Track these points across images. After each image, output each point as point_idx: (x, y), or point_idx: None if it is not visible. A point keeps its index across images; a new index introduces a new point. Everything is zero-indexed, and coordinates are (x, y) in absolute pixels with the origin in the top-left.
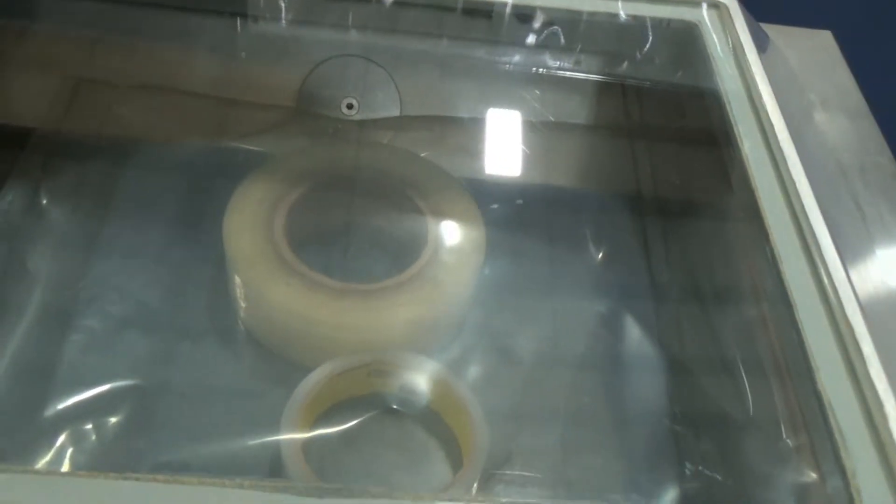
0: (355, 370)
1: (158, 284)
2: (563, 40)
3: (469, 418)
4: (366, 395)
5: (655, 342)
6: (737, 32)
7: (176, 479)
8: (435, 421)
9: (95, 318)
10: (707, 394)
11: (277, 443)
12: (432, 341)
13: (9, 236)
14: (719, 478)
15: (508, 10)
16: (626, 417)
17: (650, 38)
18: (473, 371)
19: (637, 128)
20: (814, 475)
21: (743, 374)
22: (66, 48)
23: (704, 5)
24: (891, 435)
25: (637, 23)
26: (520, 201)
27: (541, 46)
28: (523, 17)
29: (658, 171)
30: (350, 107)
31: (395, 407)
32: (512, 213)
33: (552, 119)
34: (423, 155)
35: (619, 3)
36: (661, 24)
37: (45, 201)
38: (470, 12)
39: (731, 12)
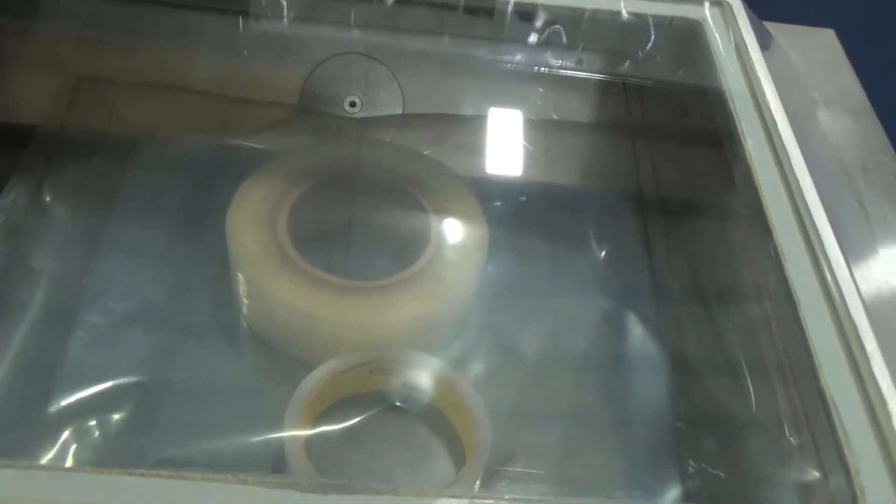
0: (358, 367)
1: (161, 281)
2: (565, 39)
3: (471, 415)
4: (368, 393)
5: (657, 340)
6: (740, 30)
7: (179, 475)
8: (437, 418)
9: (99, 315)
10: (710, 392)
11: (280, 440)
12: (435, 339)
13: (12, 234)
14: (722, 475)
15: (510, 8)
16: (629, 415)
17: (652, 37)
18: (476, 368)
19: (639, 126)
20: (817, 473)
21: (746, 372)
22: (68, 46)
23: (707, 3)
24: (894, 432)
25: (639, 21)
26: (522, 199)
27: (543, 45)
28: (525, 15)
29: (660, 169)
30: (353, 104)
31: (397, 404)
32: (514, 211)
33: (554, 117)
34: (425, 153)
35: (622, 2)
36: (663, 22)
37: (48, 199)
38: (472, 10)
39: (735, 10)
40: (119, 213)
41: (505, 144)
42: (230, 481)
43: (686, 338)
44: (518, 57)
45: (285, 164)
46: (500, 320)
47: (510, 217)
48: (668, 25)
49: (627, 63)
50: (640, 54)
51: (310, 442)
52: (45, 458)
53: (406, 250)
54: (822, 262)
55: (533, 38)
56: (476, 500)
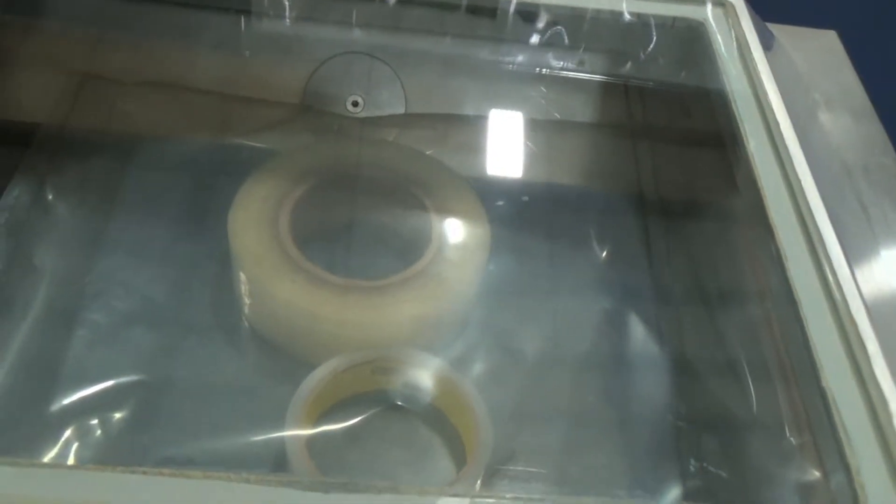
0: (359, 367)
1: (164, 280)
2: (566, 39)
3: (473, 415)
4: (370, 392)
5: (658, 340)
6: (742, 31)
7: (182, 473)
8: (439, 418)
9: (101, 314)
10: (711, 391)
11: (282, 439)
12: (436, 338)
13: (15, 232)
14: (723, 475)
15: (512, 8)
16: (630, 415)
17: (655, 37)
18: (477, 368)
19: (641, 127)
20: (818, 473)
21: (747, 372)
22: (71, 45)
23: (710, 4)
24: (895, 432)
25: (641, 22)
26: (524, 199)
27: (545, 45)
28: (527, 15)
29: (662, 170)
30: (355, 104)
31: (399, 404)
32: (516, 211)
33: (556, 118)
34: (427, 152)
35: (624, 2)
36: (665, 23)
37: (50, 197)
38: (474, 11)
39: (737, 11)
40: (121, 211)
41: (507, 145)
42: (232, 480)
43: (687, 338)
44: (520, 57)
45: (287, 164)
46: (502, 320)
47: (512, 217)
48: (670, 26)
49: (629, 64)
50: (642, 55)
51: (311, 441)
52: (47, 457)
53: (408, 250)
54: (824, 262)
55: (535, 38)
56: (477, 499)
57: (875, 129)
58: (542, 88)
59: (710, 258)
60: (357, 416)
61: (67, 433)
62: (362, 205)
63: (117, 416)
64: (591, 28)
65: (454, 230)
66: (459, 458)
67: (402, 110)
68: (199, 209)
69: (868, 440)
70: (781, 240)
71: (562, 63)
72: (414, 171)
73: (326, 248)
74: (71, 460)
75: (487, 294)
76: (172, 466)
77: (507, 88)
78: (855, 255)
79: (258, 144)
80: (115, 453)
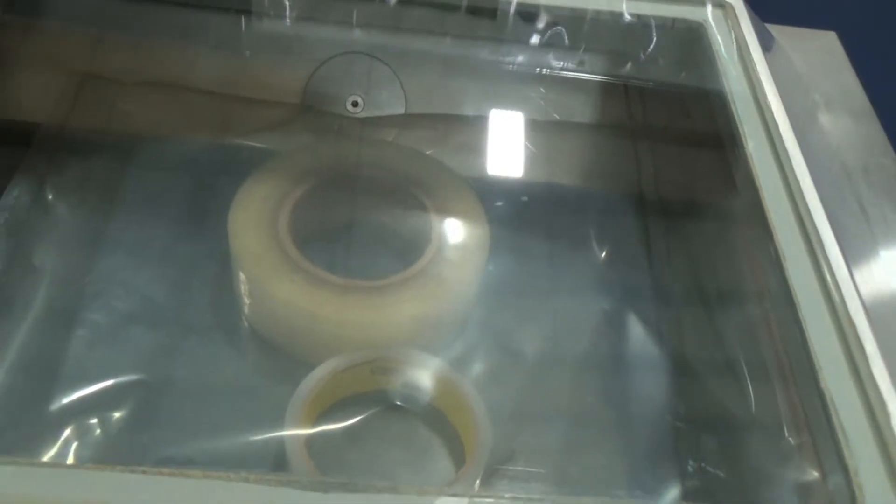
0: (359, 367)
1: (163, 280)
2: (567, 40)
3: (472, 415)
4: (369, 392)
5: (657, 340)
6: (742, 32)
7: (181, 473)
8: (438, 418)
9: (100, 314)
10: (710, 392)
11: (281, 439)
12: (436, 338)
13: (15, 232)
14: (722, 475)
15: (513, 9)
16: (629, 415)
17: (654, 38)
18: (476, 368)
19: (641, 127)
20: (816, 473)
21: (746, 373)
22: (71, 45)
23: (709, 5)
24: (893, 433)
25: (641, 22)
26: (524, 199)
27: (545, 46)
28: (527, 16)
29: (662, 170)
30: (355, 104)
31: (398, 403)
32: (515, 211)
33: (556, 118)
34: (427, 153)
35: (624, 3)
36: (665, 24)
37: (50, 197)
38: (474, 11)
39: (737, 12)
40: (121, 211)
41: (506, 145)
42: (232, 479)
43: (686, 338)
44: (520, 58)
45: (287, 164)
46: (501, 320)
47: (511, 217)
48: (670, 27)
49: (629, 64)
50: (642, 56)
51: (310, 441)
52: (47, 456)
53: (407, 250)
54: (823, 263)
55: (535, 39)
56: (476, 499)
57: (875, 130)
58: (542, 89)
59: (710, 259)
60: (356, 416)
61: (67, 433)
62: (362, 205)
63: (117, 415)
64: (592, 29)
65: (454, 230)
66: (459, 458)
67: (401, 110)
68: (198, 209)
69: (866, 441)
70: (780, 240)
71: (562, 63)
72: (414, 172)
73: (326, 248)
74: (70, 460)
75: (487, 294)
76: (172, 466)
77: (507, 89)
78: (854, 255)
79: (258, 144)
80: (115, 453)
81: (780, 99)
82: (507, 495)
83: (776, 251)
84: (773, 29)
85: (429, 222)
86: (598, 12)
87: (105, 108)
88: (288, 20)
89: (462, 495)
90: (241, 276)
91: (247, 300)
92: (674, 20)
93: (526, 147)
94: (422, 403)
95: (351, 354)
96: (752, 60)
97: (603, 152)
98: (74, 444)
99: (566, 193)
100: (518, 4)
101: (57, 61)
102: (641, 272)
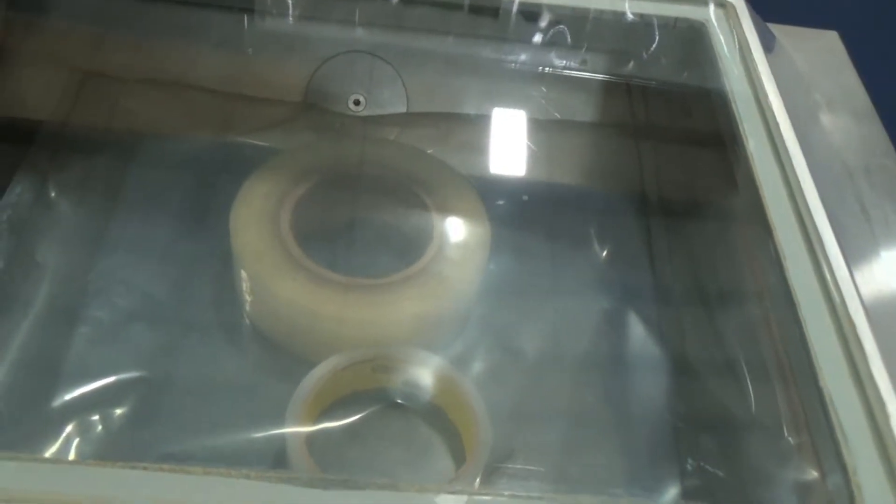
0: (360, 365)
1: (165, 278)
2: (569, 39)
3: (472, 413)
4: (370, 390)
5: (658, 340)
6: (744, 32)
7: (182, 469)
8: (438, 416)
9: (102, 311)
10: (709, 391)
11: (282, 436)
12: (437, 337)
13: (18, 229)
14: (721, 475)
15: (515, 8)
16: (629, 414)
17: (657, 38)
18: (477, 366)
19: (643, 127)
20: (815, 472)
21: (745, 373)
22: (74, 43)
23: (712, 5)
24: (892, 433)
25: (644, 22)
26: (525, 198)
27: (547, 45)
28: (530, 15)
29: (663, 170)
30: (357, 103)
31: (398, 402)
32: (517, 210)
33: (558, 117)
34: (429, 151)
35: (626, 2)
36: (668, 24)
37: (53, 194)
38: (477, 10)
39: (738, 12)
40: (123, 209)
41: (508, 144)
42: (232, 476)
43: (686, 338)
44: (522, 57)
45: (289, 162)
46: (502, 319)
47: (513, 216)
48: (672, 26)
49: (631, 64)
50: (645, 55)
51: (311, 438)
52: (49, 452)
53: (409, 248)
54: (823, 263)
55: (537, 38)
56: (475, 497)
57: (876, 130)
58: (544, 88)
59: (711, 258)
60: (357, 414)
61: (69, 429)
62: (363, 203)
63: (118, 412)
64: (594, 28)
65: (455, 229)
66: (459, 456)
67: (403, 109)
68: (200, 207)
69: (865, 440)
70: (780, 240)
71: (564, 62)
72: (415, 170)
73: (328, 247)
74: (72, 456)
75: (488, 293)
76: (173, 462)
77: (509, 88)
78: (855, 256)
79: (260, 142)
80: (116, 449)
81: (782, 98)
82: (506, 493)
83: (776, 251)
84: (775, 28)
85: (430, 221)
86: (600, 11)
87: (107, 106)
88: (290, 18)
89: (462, 493)
90: (243, 273)
91: (248, 298)
92: (676, 19)
93: (528, 146)
94: (422, 401)
95: (352, 352)
96: (753, 60)
97: (605, 151)
98: (76, 441)
99: (568, 192)
100: (521, 3)
101: (59, 59)
102: (642, 271)
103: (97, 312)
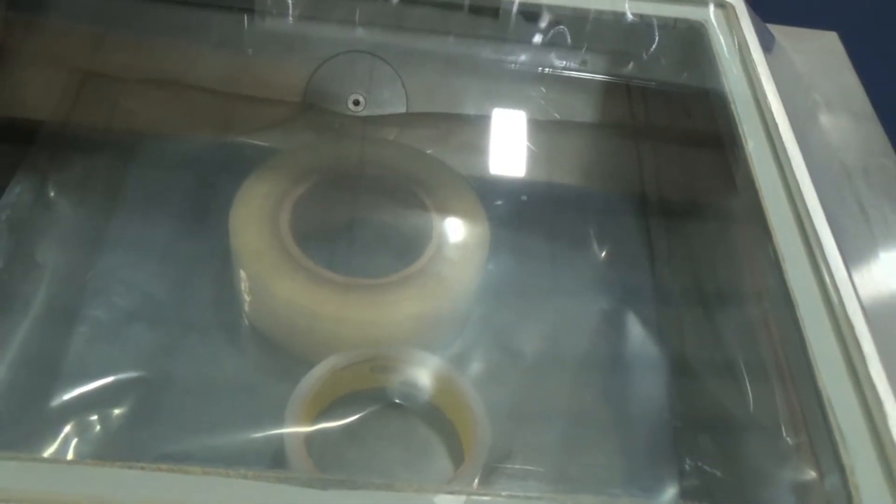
0: (358, 365)
1: (164, 278)
2: (569, 39)
3: (471, 413)
4: (368, 390)
5: (657, 341)
6: (743, 33)
7: (180, 469)
8: (437, 416)
9: (101, 311)
10: (708, 392)
11: (280, 436)
12: (436, 337)
13: (17, 229)
14: (719, 475)
15: (515, 8)
16: (628, 414)
17: (657, 38)
18: (476, 367)
19: (642, 127)
20: (813, 473)
21: (744, 373)
22: (74, 43)
23: (711, 5)
24: (890, 433)
25: (644, 22)
26: (524, 198)
27: (547, 45)
28: (530, 15)
29: (662, 170)
30: (356, 103)
31: (397, 402)
32: (516, 211)
33: (558, 117)
34: (428, 152)
35: (626, 3)
36: (667, 24)
37: (52, 194)
38: (477, 10)
39: (738, 12)
40: (123, 209)
41: (508, 144)
42: (230, 476)
43: (685, 338)
44: (522, 57)
45: (288, 162)
46: (501, 319)
47: (512, 216)
48: (672, 27)
49: (631, 64)
50: (644, 56)
51: (309, 438)
52: (47, 452)
53: (408, 248)
54: (821, 264)
55: (537, 38)
56: (474, 497)
57: (875, 130)
58: (544, 88)
59: (710, 259)
60: (355, 414)
61: (67, 429)
62: (363, 203)
63: (117, 412)
64: (594, 28)
65: (454, 229)
66: (457, 456)
67: (403, 109)
68: (200, 207)
69: (863, 441)
70: (779, 241)
71: (564, 63)
72: (414, 170)
73: (327, 247)
74: (70, 456)
75: (487, 293)
76: (171, 462)
77: (509, 88)
78: (854, 256)
79: (260, 142)
80: (115, 449)
81: (781, 99)
82: (504, 493)
83: (775, 251)
84: (774, 29)
85: (429, 221)
86: (600, 12)
87: (107, 106)
88: (290, 18)
89: (460, 493)
90: (242, 273)
91: (247, 298)
92: (675, 20)
93: (527, 147)
94: (421, 402)
95: (350, 352)
96: (752, 61)
97: (604, 152)
98: (74, 441)
99: (567, 193)
100: (521, 4)
101: (59, 59)
102: (642, 272)
103: (96, 312)
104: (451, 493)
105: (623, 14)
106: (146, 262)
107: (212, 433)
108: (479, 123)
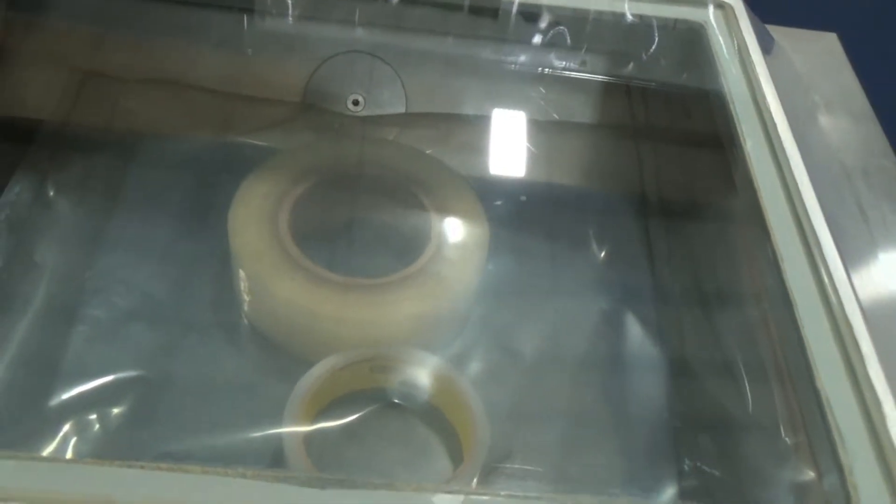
0: (357, 364)
1: (163, 277)
2: (569, 40)
3: (470, 413)
4: (368, 390)
5: (656, 341)
6: (742, 34)
7: (179, 468)
8: (436, 416)
9: (101, 310)
10: (707, 392)
11: (279, 436)
12: (435, 337)
13: (17, 228)
14: (718, 475)
15: (515, 9)
16: (627, 414)
17: (656, 39)
18: (475, 367)
19: (642, 128)
20: (812, 473)
21: (743, 373)
22: (74, 42)
23: (710, 6)
24: (888, 433)
25: (643, 23)
26: (523, 199)
27: (547, 46)
28: (529, 16)
29: (661, 171)
30: (356, 103)
31: (396, 401)
32: (515, 211)
33: (557, 118)
34: (428, 152)
35: (626, 4)
36: (667, 25)
37: (52, 193)
38: (476, 11)
39: (737, 13)
40: (122, 208)
41: (507, 145)
42: (229, 475)
43: (684, 338)
44: (522, 58)
45: (288, 162)
46: (501, 319)
47: (511, 216)
48: (671, 28)
49: (631, 65)
50: (644, 56)
51: (309, 438)
52: (46, 451)
53: (407, 248)
54: (820, 264)
55: (537, 38)
56: (472, 496)
57: (874, 131)
58: (543, 89)
59: (709, 259)
60: (355, 414)
61: (66, 428)
62: (362, 203)
63: (116, 411)
64: (594, 29)
65: (453, 229)
66: (456, 455)
67: (402, 109)
68: (200, 207)
69: (861, 441)
70: (778, 241)
71: (564, 63)
72: (414, 171)
73: (326, 247)
74: (69, 455)
75: (486, 293)
76: (170, 461)
77: (509, 88)
78: (853, 257)
79: (259, 142)
80: (114, 448)
81: (780, 100)
82: (503, 493)
83: (774, 252)
84: (774, 30)
85: (428, 221)
86: (600, 13)
87: (107, 106)
88: (290, 18)
89: (459, 492)
90: (241, 273)
91: (247, 298)
92: (675, 21)
93: (527, 147)
94: (420, 401)
95: (350, 352)
96: (751, 61)
97: (604, 152)
98: (73, 440)
99: (567, 193)
100: (520, 4)
101: (59, 58)
102: (641, 272)
103: (95, 311)
104: (450, 492)
105: (623, 15)
106: (146, 261)
107: (211, 433)
108: (479, 124)
